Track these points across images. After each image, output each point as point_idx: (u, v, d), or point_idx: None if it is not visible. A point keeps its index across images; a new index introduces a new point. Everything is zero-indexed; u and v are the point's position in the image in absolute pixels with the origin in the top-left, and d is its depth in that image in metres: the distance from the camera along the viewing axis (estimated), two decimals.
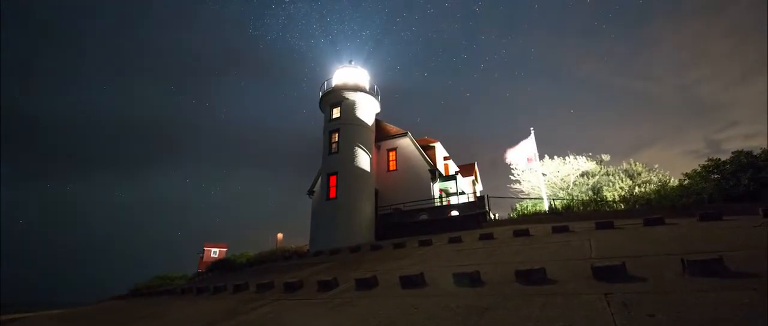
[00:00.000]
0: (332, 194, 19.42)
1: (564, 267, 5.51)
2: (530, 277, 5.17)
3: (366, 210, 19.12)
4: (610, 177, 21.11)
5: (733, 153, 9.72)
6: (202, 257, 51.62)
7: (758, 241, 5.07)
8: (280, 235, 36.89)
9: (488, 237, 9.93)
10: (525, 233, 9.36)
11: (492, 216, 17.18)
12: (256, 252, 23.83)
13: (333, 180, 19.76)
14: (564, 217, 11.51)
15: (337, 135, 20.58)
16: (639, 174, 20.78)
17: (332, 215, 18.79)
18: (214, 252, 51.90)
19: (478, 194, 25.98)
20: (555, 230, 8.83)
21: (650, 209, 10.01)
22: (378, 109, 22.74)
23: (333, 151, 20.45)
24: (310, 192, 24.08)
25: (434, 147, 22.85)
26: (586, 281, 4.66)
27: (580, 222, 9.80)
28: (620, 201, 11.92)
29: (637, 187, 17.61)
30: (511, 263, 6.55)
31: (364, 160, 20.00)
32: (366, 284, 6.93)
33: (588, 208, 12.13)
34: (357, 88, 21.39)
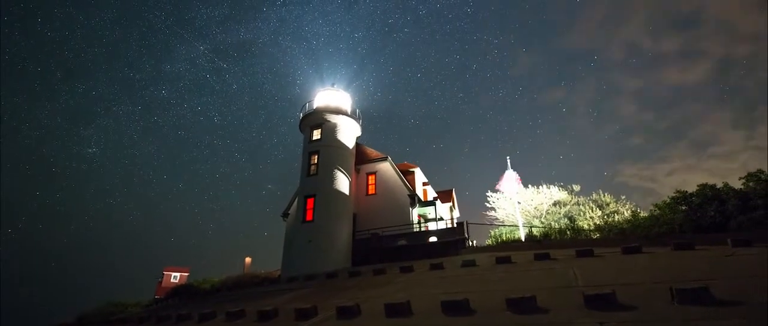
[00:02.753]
0: (309, 217, 18.82)
1: (554, 295, 5.45)
2: (522, 306, 5.06)
3: (343, 234, 18.59)
4: (581, 207, 21.87)
5: (698, 186, 10.43)
6: (161, 282, 47.85)
7: (735, 270, 5.26)
8: (248, 259, 35.04)
9: (471, 263, 9.81)
10: (507, 260, 9.33)
11: (470, 243, 17.18)
12: (221, 277, 22.40)
13: (310, 202, 19.21)
14: (543, 245, 11.65)
15: (316, 157, 20.24)
16: (607, 204, 21.66)
17: (308, 239, 18.10)
18: (175, 277, 48.27)
19: (455, 220, 26.10)
20: (537, 257, 8.87)
21: (624, 238, 10.36)
22: (359, 133, 22.72)
23: (311, 172, 20.01)
24: (285, 215, 23.25)
25: (414, 172, 22.92)
26: (579, 310, 4.60)
27: (560, 250, 9.93)
28: (595, 230, 12.29)
29: (605, 216, 18.31)
30: (498, 291, 6.43)
31: (343, 183, 19.68)
32: (348, 313, 6.55)
33: (565, 236, 12.39)
34: (339, 111, 21.36)
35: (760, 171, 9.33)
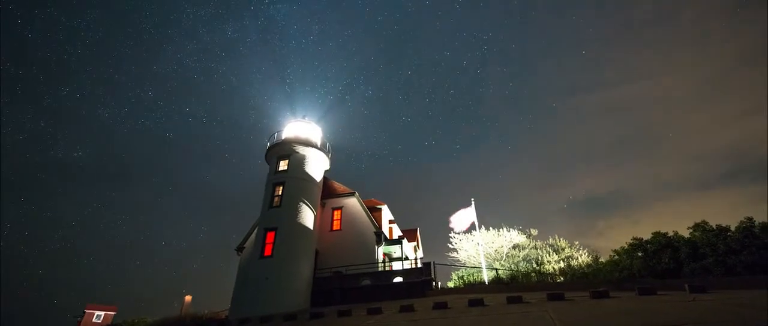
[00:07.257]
0: (267, 252, 17.58)
1: None
2: None
3: (304, 272, 17.48)
4: (539, 250, 22.63)
5: (653, 233, 11.23)
6: (80, 322, 41.36)
7: (702, 315, 5.48)
8: (188, 298, 31.74)
9: (442, 306, 9.50)
10: (480, 303, 9.15)
11: (436, 284, 16.85)
12: (156, 318, 19.84)
13: (270, 236, 18.05)
14: (510, 287, 11.66)
15: (281, 188, 19.39)
16: (563, 249, 22.63)
17: (264, 276, 16.77)
18: (98, 316, 42.06)
19: (419, 260, 25.73)
20: (510, 300, 8.78)
21: (587, 282, 10.68)
22: (327, 166, 22.32)
23: (274, 204, 19.03)
24: (240, 249, 21.58)
25: (381, 209, 22.64)
26: None
27: (530, 293, 9.95)
28: (560, 273, 12.60)
29: (561, 261, 19.01)
30: None
31: (308, 217, 18.86)
32: None
33: (531, 279, 12.53)
34: (308, 143, 20.98)
35: (704, 222, 10.29)
